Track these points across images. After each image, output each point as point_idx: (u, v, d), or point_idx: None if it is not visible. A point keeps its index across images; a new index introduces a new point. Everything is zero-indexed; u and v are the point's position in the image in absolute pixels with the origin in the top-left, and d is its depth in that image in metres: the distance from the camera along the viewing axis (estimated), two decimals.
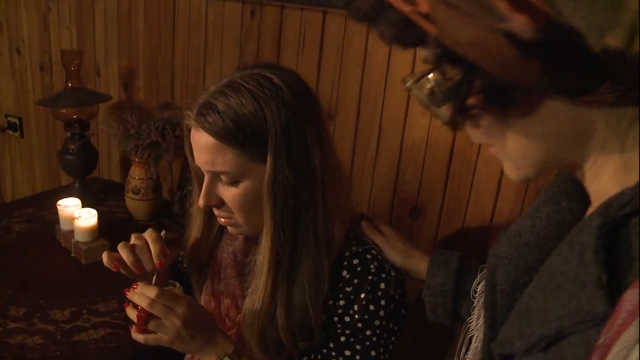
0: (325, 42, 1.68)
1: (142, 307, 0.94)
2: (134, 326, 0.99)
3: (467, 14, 0.41)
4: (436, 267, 1.07)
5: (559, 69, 0.42)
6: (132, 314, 0.98)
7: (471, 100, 0.49)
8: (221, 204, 1.00)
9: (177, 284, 1.03)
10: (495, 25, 0.40)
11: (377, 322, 0.98)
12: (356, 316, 0.98)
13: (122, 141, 1.84)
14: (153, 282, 1.01)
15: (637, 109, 0.46)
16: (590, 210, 0.60)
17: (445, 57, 0.46)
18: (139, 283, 0.98)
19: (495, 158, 1.29)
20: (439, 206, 1.60)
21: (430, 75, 0.52)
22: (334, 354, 0.99)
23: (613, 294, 0.43)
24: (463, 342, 1.00)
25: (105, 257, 1.06)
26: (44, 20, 2.46)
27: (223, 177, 0.97)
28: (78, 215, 1.66)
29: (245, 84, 0.93)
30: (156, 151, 1.81)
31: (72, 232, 1.69)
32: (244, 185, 0.96)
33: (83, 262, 1.65)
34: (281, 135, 0.92)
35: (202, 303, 1.17)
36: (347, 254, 1.01)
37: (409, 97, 1.56)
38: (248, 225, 1.02)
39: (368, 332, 0.98)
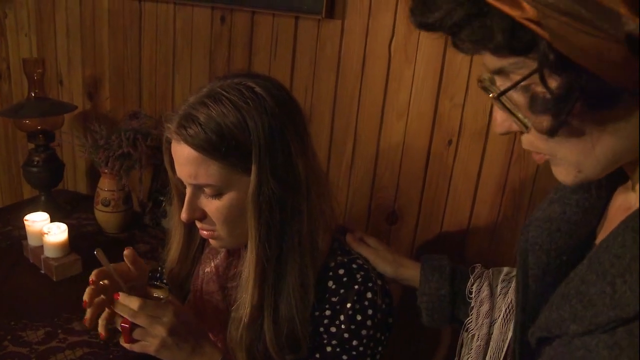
0: (298, 47, 1.67)
1: (125, 318, 0.92)
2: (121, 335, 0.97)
3: (582, 20, 0.41)
4: (429, 273, 1.07)
5: None
6: (118, 323, 0.95)
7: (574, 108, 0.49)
8: (204, 216, 0.98)
9: (165, 288, 1.01)
10: (616, 31, 0.41)
11: (364, 332, 0.97)
12: (343, 326, 0.97)
13: (92, 152, 1.79)
14: (141, 290, 0.98)
15: None
16: (619, 198, 0.63)
17: (557, 65, 0.46)
18: (119, 293, 0.95)
19: (471, 161, 1.30)
20: (416, 211, 1.61)
21: (519, 84, 0.51)
22: None
23: None
24: (467, 341, 1.02)
25: (103, 328, 1.02)
26: (0, 28, 2.38)
27: (207, 190, 0.95)
28: (47, 230, 1.60)
29: (226, 94, 0.91)
30: (127, 162, 1.77)
31: (41, 247, 1.63)
32: (227, 197, 0.94)
33: (54, 279, 1.59)
34: (265, 146, 0.90)
35: None
36: (333, 264, 1.01)
37: (384, 102, 1.57)
38: (231, 237, 1.00)
39: (355, 342, 0.97)
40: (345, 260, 1.01)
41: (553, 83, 0.48)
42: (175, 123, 0.92)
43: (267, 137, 0.90)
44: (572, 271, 0.59)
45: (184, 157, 0.92)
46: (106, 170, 1.81)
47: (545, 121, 0.50)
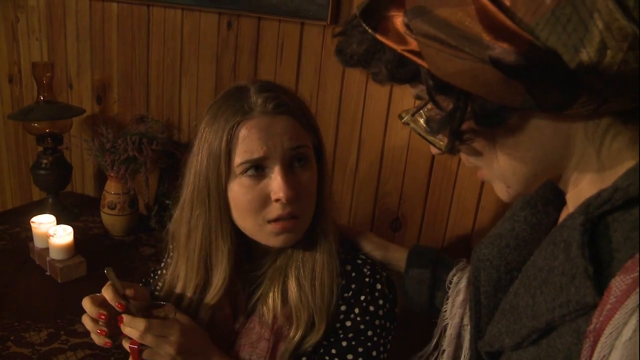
0: (304, 53, 1.68)
1: (133, 339, 0.92)
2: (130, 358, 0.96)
3: (453, 47, 0.46)
4: (415, 257, 1.11)
5: (541, 88, 0.47)
6: (126, 345, 0.95)
7: (464, 126, 0.53)
8: (298, 194, 0.94)
9: (168, 305, 0.99)
10: (481, 54, 0.45)
11: (377, 322, 1.00)
12: (358, 318, 0.99)
13: (98, 156, 1.81)
14: (145, 311, 0.97)
15: (610, 118, 0.51)
16: (564, 213, 0.66)
17: (437, 88, 0.51)
18: (124, 315, 0.93)
19: (476, 169, 1.31)
20: (420, 217, 1.60)
21: (425, 109, 0.56)
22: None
23: (599, 285, 0.47)
24: (440, 330, 1.04)
25: (101, 341, 0.98)
26: (12, 31, 2.41)
27: (301, 154, 0.96)
28: (53, 232, 1.62)
29: (278, 85, 1.01)
30: (133, 166, 1.78)
31: (46, 249, 1.65)
32: (311, 167, 0.99)
33: (59, 281, 1.61)
34: (317, 125, 1.02)
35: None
36: (338, 262, 1.03)
37: (388, 109, 1.57)
38: (307, 221, 1.00)
39: (369, 333, 0.99)
40: (349, 257, 1.04)
41: (445, 104, 0.52)
42: (262, 99, 0.95)
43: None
44: (511, 286, 0.61)
45: (282, 126, 0.94)
46: (112, 174, 1.83)
47: (444, 140, 0.56)
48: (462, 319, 0.98)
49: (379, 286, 1.01)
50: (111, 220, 1.91)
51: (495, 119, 0.52)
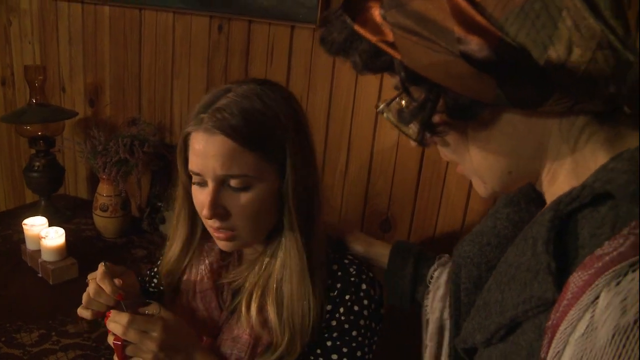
0: (294, 56, 1.69)
1: (117, 335, 0.93)
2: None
3: (427, 39, 0.47)
4: (397, 252, 1.11)
5: (512, 84, 0.47)
6: (110, 340, 0.96)
7: (436, 118, 0.53)
8: (226, 213, 0.96)
9: (154, 303, 1.01)
10: (453, 47, 0.46)
11: (361, 322, 1.00)
12: (342, 318, 0.99)
13: (90, 158, 1.82)
14: (125, 310, 0.99)
15: (586, 117, 0.51)
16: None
17: (410, 79, 0.51)
18: (111, 311, 0.96)
19: None
20: (409, 218, 1.62)
21: (398, 99, 0.56)
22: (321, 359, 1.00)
23: (562, 281, 0.47)
24: (424, 325, 1.04)
25: (87, 314, 1.03)
26: (5, 34, 2.42)
27: (234, 182, 0.93)
28: (45, 234, 1.63)
29: (250, 91, 0.94)
30: (124, 168, 1.79)
31: (38, 251, 1.66)
32: (255, 189, 0.94)
33: (51, 282, 1.62)
34: (295, 136, 0.94)
35: None
36: (326, 260, 1.03)
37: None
38: (250, 236, 1.00)
39: (354, 333, 0.99)
40: (337, 256, 1.04)
41: (417, 95, 0.53)
42: (207, 114, 0.92)
43: (295, 127, 0.95)
44: (486, 284, 0.61)
45: (215, 148, 0.91)
46: (104, 176, 1.84)
47: (414, 131, 0.56)
48: (442, 313, 0.98)
49: (364, 286, 1.01)
50: (103, 222, 1.92)
51: (467, 112, 0.52)
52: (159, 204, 1.99)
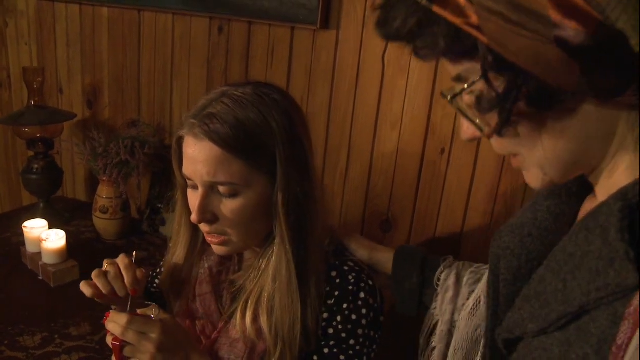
0: (294, 57, 1.69)
1: (116, 336, 0.94)
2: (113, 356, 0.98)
3: (517, 23, 0.45)
4: (402, 258, 1.11)
5: (598, 71, 0.45)
6: (109, 341, 0.97)
7: (516, 107, 0.51)
8: (215, 219, 0.97)
9: (153, 305, 1.02)
10: (547, 33, 0.44)
11: (359, 331, 0.99)
12: (340, 327, 0.99)
13: (90, 160, 1.81)
14: (128, 307, 0.99)
15: None
16: (587, 205, 0.65)
17: (496, 65, 0.49)
18: (111, 311, 0.96)
19: (464, 170, 1.33)
20: (409, 219, 1.63)
21: (470, 88, 0.54)
22: None
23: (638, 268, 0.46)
24: (429, 326, 1.04)
25: (87, 289, 1.02)
26: (1, 36, 2.41)
27: (222, 189, 0.94)
28: (46, 237, 1.62)
29: (244, 96, 0.93)
30: (125, 169, 1.79)
31: (39, 254, 1.65)
32: (244, 197, 0.94)
33: (52, 285, 1.61)
34: (288, 146, 0.93)
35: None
36: (326, 267, 1.02)
37: (378, 111, 1.59)
38: (241, 242, 1.00)
39: (352, 342, 0.99)
40: (337, 262, 1.03)
41: (498, 83, 0.50)
42: (197, 120, 0.92)
43: (289, 138, 0.93)
44: (534, 274, 0.60)
45: (204, 155, 0.92)
46: (104, 178, 1.83)
47: (492, 120, 0.53)
48: (452, 315, 0.99)
49: (362, 295, 1.00)
50: (103, 224, 1.91)
51: (548, 101, 0.50)
52: (159, 206, 1.99)
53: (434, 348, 0.99)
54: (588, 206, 0.64)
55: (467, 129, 0.60)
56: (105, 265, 1.04)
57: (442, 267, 1.05)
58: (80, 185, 2.37)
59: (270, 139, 0.92)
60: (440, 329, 0.99)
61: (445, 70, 1.43)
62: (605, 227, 0.50)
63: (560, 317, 0.52)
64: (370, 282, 1.02)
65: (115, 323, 0.93)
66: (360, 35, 1.57)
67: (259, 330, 0.99)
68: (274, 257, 0.98)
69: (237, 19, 1.75)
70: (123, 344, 0.93)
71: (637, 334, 0.44)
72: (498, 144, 0.60)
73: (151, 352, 0.92)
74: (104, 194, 1.88)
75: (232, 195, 0.94)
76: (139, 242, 1.95)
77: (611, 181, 0.56)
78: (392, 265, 1.11)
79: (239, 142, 0.91)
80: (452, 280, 1.01)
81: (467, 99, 0.56)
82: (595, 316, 0.50)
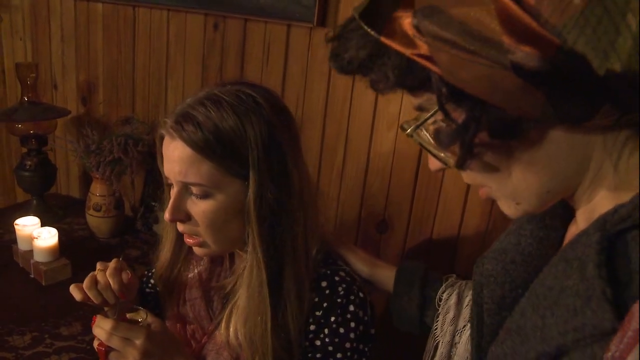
0: (290, 55, 1.68)
1: (101, 341, 0.93)
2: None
3: (469, 51, 0.42)
4: (402, 276, 1.08)
5: (563, 97, 0.43)
6: (95, 345, 0.96)
7: (478, 138, 0.49)
8: (187, 219, 0.97)
9: (142, 310, 1.01)
10: (503, 59, 0.41)
11: (347, 345, 0.97)
12: (327, 339, 0.97)
13: (83, 157, 1.79)
14: (116, 312, 0.99)
15: (629, 130, 0.48)
16: (572, 229, 0.61)
17: (451, 97, 0.46)
18: (97, 316, 0.95)
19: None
20: (406, 220, 1.61)
21: (431, 119, 0.51)
22: None
23: (617, 307, 0.43)
24: (431, 348, 1.01)
25: (77, 293, 1.01)
26: None
27: (194, 190, 0.93)
28: (37, 234, 1.61)
29: (226, 98, 0.91)
30: (118, 167, 1.77)
31: (31, 252, 1.63)
32: (215, 199, 0.93)
33: (43, 284, 1.59)
34: (262, 152, 0.91)
35: (168, 325, 1.14)
36: (316, 276, 1.00)
37: (375, 111, 1.57)
38: (215, 244, 0.99)
39: (339, 355, 0.97)
40: (328, 272, 1.00)
41: (457, 114, 0.48)
42: (172, 119, 0.92)
43: (265, 144, 0.91)
44: (517, 305, 0.57)
45: (176, 154, 0.92)
46: (98, 175, 1.81)
47: (455, 154, 0.50)
48: (452, 337, 0.96)
49: (351, 308, 0.97)
50: (97, 222, 1.90)
51: (511, 131, 0.48)
52: (153, 204, 1.97)
53: None
54: (573, 230, 0.61)
55: (433, 161, 0.57)
56: (97, 271, 1.03)
57: (443, 286, 1.02)
58: (74, 182, 2.35)
59: (244, 144, 0.90)
60: (440, 351, 0.96)
61: None
62: (583, 261, 0.48)
63: (539, 356, 0.49)
64: (361, 295, 1.00)
65: (101, 328, 0.92)
66: None
67: (240, 339, 0.98)
68: (247, 264, 0.97)
69: (233, 16, 1.73)
70: (108, 349, 0.93)
71: None
72: (466, 175, 0.58)
73: (135, 357, 0.92)
74: (98, 192, 1.86)
75: (204, 196, 0.94)
76: (132, 241, 1.93)
77: (590, 206, 0.53)
78: (393, 285, 1.08)
79: (210, 145, 0.90)
80: (453, 300, 0.99)
81: (432, 129, 0.53)
82: (573, 357, 0.47)
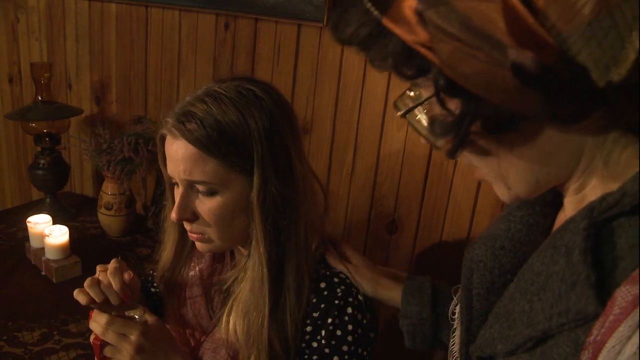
0: (300, 55, 1.67)
1: (97, 335, 0.94)
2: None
3: (471, 46, 0.42)
4: (410, 295, 1.03)
5: (559, 100, 0.43)
6: (92, 339, 0.97)
7: (471, 129, 0.49)
8: (195, 217, 0.96)
9: (140, 307, 1.01)
10: (503, 59, 0.41)
11: (344, 348, 0.95)
12: (323, 342, 0.95)
13: (95, 156, 1.81)
14: (116, 309, 0.99)
15: (622, 129, 0.48)
16: (561, 216, 0.62)
17: (449, 89, 0.46)
18: (94, 310, 0.96)
19: (471, 171, 1.29)
20: (415, 220, 1.60)
21: (425, 104, 0.52)
22: None
23: (601, 293, 0.44)
24: None
25: (81, 297, 1.00)
26: (13, 31, 2.41)
27: (200, 188, 0.93)
28: (49, 232, 1.62)
29: (226, 94, 0.91)
30: (129, 166, 1.78)
31: (42, 249, 1.65)
32: (221, 196, 0.93)
33: (54, 281, 1.61)
34: (267, 147, 0.90)
35: (168, 324, 1.13)
36: (315, 276, 0.99)
37: (384, 111, 1.56)
38: (221, 240, 0.98)
39: (335, 358, 0.95)
40: (328, 273, 1.00)
41: (453, 105, 0.48)
42: (173, 118, 0.91)
43: (268, 138, 0.90)
44: (506, 290, 0.58)
45: (180, 153, 0.91)
46: (109, 174, 1.83)
47: (447, 142, 0.51)
48: None
49: (349, 310, 0.96)
50: (108, 220, 1.91)
51: (504, 126, 0.48)
52: (164, 203, 1.97)
53: None
54: (562, 217, 0.61)
55: (423, 140, 0.57)
56: (98, 272, 1.03)
57: (455, 299, 1.00)
58: (88, 181, 2.37)
59: (248, 138, 0.90)
60: None
61: None
62: (569, 247, 0.48)
63: (526, 340, 0.51)
64: (360, 297, 0.98)
65: (97, 323, 0.93)
66: None
67: (238, 334, 0.97)
68: (250, 259, 0.96)
69: (244, 16, 1.74)
70: (103, 343, 0.94)
71: None
72: (463, 158, 0.58)
73: (130, 353, 0.92)
74: (109, 191, 1.88)
75: (210, 194, 0.93)
76: (143, 239, 1.94)
77: (580, 195, 0.54)
78: (401, 305, 1.05)
79: (213, 142, 0.89)
80: None
81: (425, 113, 0.54)
82: (559, 341, 0.48)
